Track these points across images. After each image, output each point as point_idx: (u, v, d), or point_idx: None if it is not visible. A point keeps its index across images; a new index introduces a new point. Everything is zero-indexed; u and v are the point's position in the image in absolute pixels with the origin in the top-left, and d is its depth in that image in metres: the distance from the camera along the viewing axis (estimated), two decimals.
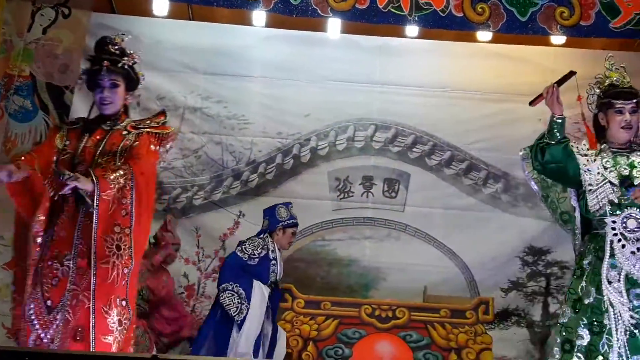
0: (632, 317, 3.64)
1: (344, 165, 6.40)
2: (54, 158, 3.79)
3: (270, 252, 5.30)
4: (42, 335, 3.58)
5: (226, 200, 6.26)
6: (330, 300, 5.77)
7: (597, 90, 3.99)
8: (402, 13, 5.39)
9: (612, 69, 4.01)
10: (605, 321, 3.68)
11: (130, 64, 3.87)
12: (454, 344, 5.85)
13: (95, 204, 3.60)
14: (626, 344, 3.62)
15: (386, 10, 5.40)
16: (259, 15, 5.74)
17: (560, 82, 3.91)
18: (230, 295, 5.08)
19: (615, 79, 3.97)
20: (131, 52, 3.90)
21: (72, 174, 3.57)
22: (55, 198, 3.69)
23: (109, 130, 3.85)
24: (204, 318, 5.51)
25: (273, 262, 5.30)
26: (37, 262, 3.64)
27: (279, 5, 5.38)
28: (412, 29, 5.71)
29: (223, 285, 5.13)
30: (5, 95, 5.61)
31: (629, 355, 3.60)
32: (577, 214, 3.97)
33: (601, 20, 5.42)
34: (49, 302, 3.61)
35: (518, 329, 6.11)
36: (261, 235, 5.38)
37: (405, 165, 6.40)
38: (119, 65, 3.83)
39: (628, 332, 3.63)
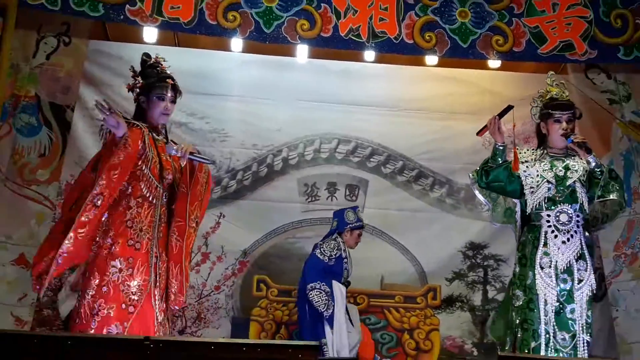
0: (557, 299, 3.76)
1: (311, 173, 6.39)
2: (140, 163, 3.64)
3: (342, 251, 5.37)
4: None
5: (208, 203, 6.08)
6: None
7: (540, 103, 4.04)
8: (361, 40, 5.34)
9: (553, 84, 4.13)
10: (537, 301, 3.78)
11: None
12: (407, 326, 5.87)
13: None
14: (553, 321, 3.73)
15: (347, 37, 5.33)
16: (236, 42, 5.63)
17: (501, 114, 4.03)
18: (318, 293, 5.12)
19: (555, 93, 4.07)
20: None
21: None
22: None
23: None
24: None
25: (345, 260, 5.38)
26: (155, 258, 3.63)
27: (254, 33, 5.29)
28: (369, 54, 5.66)
29: (311, 285, 5.16)
30: (13, 113, 5.49)
31: (555, 331, 3.72)
32: (518, 209, 4.07)
33: (531, 47, 5.40)
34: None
35: (462, 313, 6.15)
36: (333, 236, 5.42)
37: (364, 173, 6.43)
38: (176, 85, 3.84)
39: (554, 311, 3.74)
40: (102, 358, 2.77)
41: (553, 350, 3.66)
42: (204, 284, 5.98)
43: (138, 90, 3.77)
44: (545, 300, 3.74)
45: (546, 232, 3.82)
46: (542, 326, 3.72)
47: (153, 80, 3.75)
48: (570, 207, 3.84)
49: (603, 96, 5.69)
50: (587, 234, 3.89)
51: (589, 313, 3.77)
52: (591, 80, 5.75)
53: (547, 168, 3.93)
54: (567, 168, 3.92)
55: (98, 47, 6.06)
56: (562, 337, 3.71)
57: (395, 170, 6.41)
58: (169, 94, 3.76)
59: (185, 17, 5.21)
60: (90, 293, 3.45)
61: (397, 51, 5.44)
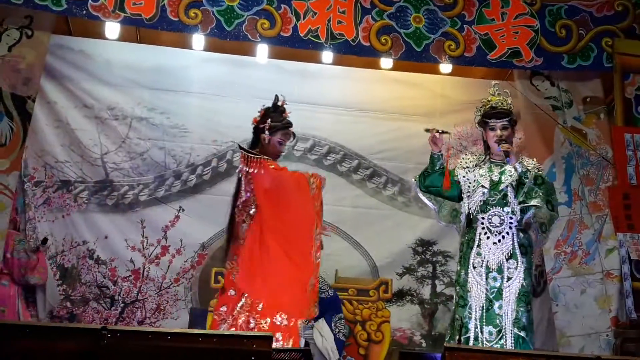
0: (487, 296, 3.85)
1: None
2: None
3: None
4: None
5: (168, 197, 6.21)
6: None
7: (481, 111, 4.11)
8: (319, 41, 5.35)
9: (495, 94, 4.18)
10: (468, 298, 3.90)
11: None
12: (359, 318, 5.93)
13: None
14: (482, 317, 3.83)
15: (306, 38, 5.34)
16: (198, 40, 5.59)
17: (441, 131, 4.12)
18: None
19: (495, 102, 4.07)
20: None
21: None
22: None
23: None
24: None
25: None
26: None
27: (215, 30, 5.27)
28: (327, 55, 5.66)
29: None
30: None
31: (483, 325, 3.81)
32: (463, 210, 4.15)
33: (481, 52, 5.50)
34: None
35: (411, 306, 6.26)
36: None
37: (321, 171, 6.32)
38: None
39: (484, 308, 3.85)
40: (60, 347, 2.72)
41: (480, 344, 3.75)
42: (163, 276, 6.01)
43: (268, 131, 4.02)
44: (475, 297, 3.85)
45: (480, 234, 3.94)
46: (472, 321, 3.83)
47: (279, 125, 4.06)
48: (502, 210, 3.94)
49: (547, 102, 5.76)
50: (521, 234, 3.97)
51: (521, 309, 3.85)
52: (535, 87, 5.82)
53: (484, 173, 4.03)
54: (502, 173, 4.01)
55: (60, 42, 6.04)
56: (489, 331, 3.80)
57: (350, 169, 6.48)
58: (289, 140, 4.12)
59: (147, 13, 5.17)
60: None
61: (354, 53, 5.49)
